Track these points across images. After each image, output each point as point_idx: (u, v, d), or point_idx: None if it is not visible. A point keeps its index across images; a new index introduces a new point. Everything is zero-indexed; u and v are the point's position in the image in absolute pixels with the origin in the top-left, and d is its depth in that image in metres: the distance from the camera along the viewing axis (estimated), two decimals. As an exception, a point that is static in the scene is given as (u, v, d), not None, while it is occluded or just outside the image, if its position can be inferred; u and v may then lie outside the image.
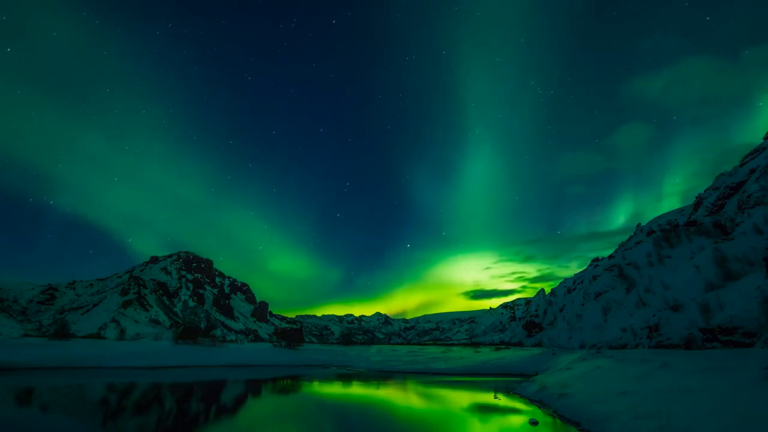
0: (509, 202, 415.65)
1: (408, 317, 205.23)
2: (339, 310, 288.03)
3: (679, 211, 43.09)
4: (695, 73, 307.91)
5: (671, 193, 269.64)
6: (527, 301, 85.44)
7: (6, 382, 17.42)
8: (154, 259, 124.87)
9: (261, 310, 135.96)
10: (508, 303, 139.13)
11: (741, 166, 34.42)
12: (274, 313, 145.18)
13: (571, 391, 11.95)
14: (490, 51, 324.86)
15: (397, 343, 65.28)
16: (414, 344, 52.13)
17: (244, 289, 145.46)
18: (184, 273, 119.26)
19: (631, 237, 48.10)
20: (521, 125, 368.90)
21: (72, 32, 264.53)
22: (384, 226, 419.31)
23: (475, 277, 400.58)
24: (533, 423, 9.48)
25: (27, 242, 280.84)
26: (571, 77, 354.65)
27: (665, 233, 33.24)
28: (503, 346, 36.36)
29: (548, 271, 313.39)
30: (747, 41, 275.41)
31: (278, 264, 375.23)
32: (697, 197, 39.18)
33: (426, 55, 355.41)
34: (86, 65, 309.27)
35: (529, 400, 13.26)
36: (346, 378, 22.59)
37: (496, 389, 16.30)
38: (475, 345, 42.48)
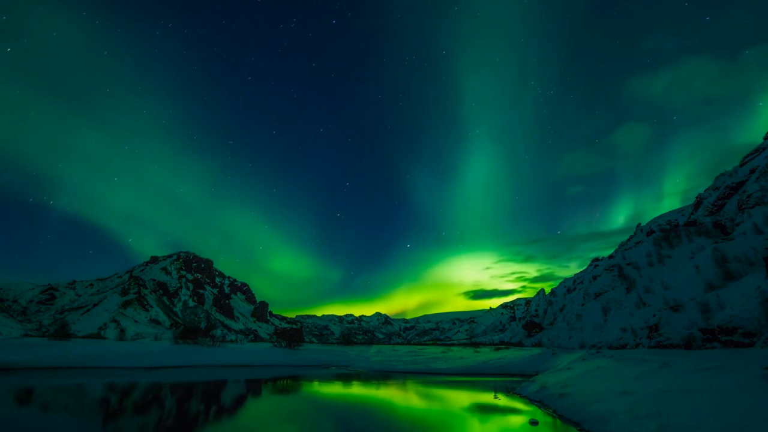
0: (509, 202, 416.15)
1: (408, 317, 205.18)
2: (339, 310, 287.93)
3: (679, 211, 43.06)
4: (696, 73, 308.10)
5: (671, 193, 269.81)
6: (527, 301, 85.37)
7: (6, 382, 17.42)
8: (154, 259, 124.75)
9: (261, 310, 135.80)
10: (508, 303, 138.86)
11: (741, 166, 34.38)
12: (274, 313, 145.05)
13: (571, 391, 11.95)
14: (490, 51, 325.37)
15: (397, 343, 65.25)
16: (414, 344, 52.11)
17: (244, 289, 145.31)
18: (184, 273, 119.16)
19: (631, 237, 48.07)
20: (521, 125, 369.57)
21: (72, 32, 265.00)
22: (384, 226, 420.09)
23: (475, 277, 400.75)
24: (533, 423, 9.48)
25: (27, 242, 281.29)
26: (572, 77, 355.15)
27: (665, 233, 33.23)
28: (503, 346, 36.35)
29: (548, 271, 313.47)
30: (747, 41, 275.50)
31: (278, 264, 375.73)
32: (697, 197, 39.14)
33: (426, 55, 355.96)
34: (86, 65, 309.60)
35: (529, 400, 13.26)
36: (346, 378, 22.58)
37: (496, 389, 16.30)
38: (475, 345, 42.46)
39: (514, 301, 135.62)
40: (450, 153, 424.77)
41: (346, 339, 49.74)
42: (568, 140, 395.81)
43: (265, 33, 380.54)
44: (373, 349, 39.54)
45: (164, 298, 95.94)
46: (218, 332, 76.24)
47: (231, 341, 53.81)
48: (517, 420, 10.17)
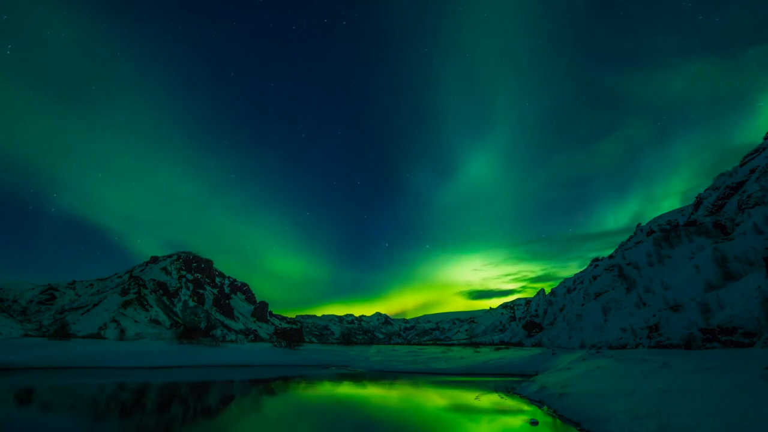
0: (509, 202, 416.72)
1: (408, 317, 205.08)
2: (339, 310, 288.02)
3: (679, 211, 43.04)
4: (696, 73, 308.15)
5: (671, 193, 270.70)
6: (527, 301, 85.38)
7: (6, 382, 17.42)
8: (154, 259, 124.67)
9: (261, 310, 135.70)
10: (508, 303, 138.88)
11: (741, 166, 34.37)
12: (274, 313, 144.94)
13: (571, 391, 11.95)
14: (491, 52, 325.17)
15: (397, 343, 65.23)
16: (414, 344, 52.10)
17: (244, 289, 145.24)
18: (184, 273, 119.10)
19: (631, 237, 48.05)
20: (523, 125, 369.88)
21: (72, 33, 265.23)
22: (384, 226, 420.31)
23: (475, 277, 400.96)
24: (533, 423, 9.48)
25: (27, 242, 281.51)
26: (572, 78, 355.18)
27: (665, 233, 33.23)
28: (503, 346, 36.34)
29: (548, 271, 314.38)
30: (748, 41, 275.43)
31: (278, 264, 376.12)
32: (697, 197, 39.13)
33: (427, 55, 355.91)
34: (87, 65, 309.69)
35: (529, 400, 13.26)
36: (346, 378, 22.59)
37: (496, 389, 16.29)
38: (475, 345, 42.45)
39: (514, 301, 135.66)
40: (452, 152, 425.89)
41: (346, 339, 49.72)
42: (569, 140, 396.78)
43: (266, 33, 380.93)
44: (373, 349, 39.53)
45: (164, 298, 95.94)
46: (218, 332, 76.30)
47: (231, 341, 53.80)
48: (517, 420, 10.17)
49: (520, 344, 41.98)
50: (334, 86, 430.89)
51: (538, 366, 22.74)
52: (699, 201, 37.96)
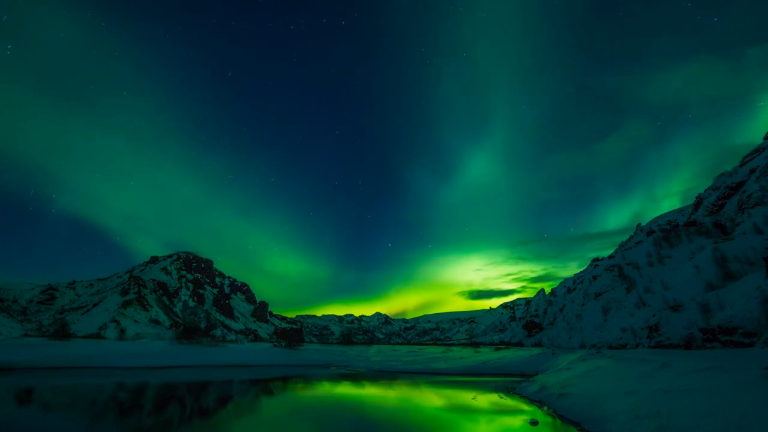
0: (509, 202, 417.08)
1: (408, 317, 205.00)
2: (339, 310, 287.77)
3: (679, 211, 43.04)
4: (696, 73, 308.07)
5: (671, 193, 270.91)
6: (527, 301, 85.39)
7: (6, 382, 17.43)
8: (154, 259, 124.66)
9: (261, 310, 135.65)
10: (508, 303, 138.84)
11: (741, 166, 34.36)
12: (274, 313, 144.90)
13: (571, 391, 11.95)
14: (491, 52, 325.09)
15: (397, 343, 65.19)
16: (414, 344, 52.07)
17: (244, 289, 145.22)
18: (184, 273, 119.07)
19: (631, 237, 48.05)
20: (522, 126, 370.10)
21: (72, 32, 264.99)
22: (385, 226, 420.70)
23: (475, 277, 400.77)
24: (533, 423, 9.48)
25: (27, 242, 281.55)
26: (572, 78, 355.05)
27: (665, 233, 33.23)
28: (503, 346, 36.33)
29: (548, 271, 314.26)
30: (748, 41, 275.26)
31: (278, 264, 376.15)
32: (697, 197, 39.13)
33: (427, 55, 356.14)
34: (87, 65, 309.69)
35: (529, 400, 13.26)
36: (346, 378, 22.59)
37: (496, 389, 16.29)
38: (475, 345, 42.44)
39: (514, 301, 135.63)
40: (452, 152, 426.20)
41: (346, 339, 49.70)
42: (568, 140, 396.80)
43: (266, 33, 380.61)
44: (373, 349, 39.53)
45: (164, 298, 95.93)
46: (218, 332, 76.31)
47: (231, 341, 53.79)
48: (517, 420, 10.17)
49: (520, 344, 41.97)
50: (334, 86, 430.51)
51: (538, 366, 22.74)
52: (699, 201, 37.96)
